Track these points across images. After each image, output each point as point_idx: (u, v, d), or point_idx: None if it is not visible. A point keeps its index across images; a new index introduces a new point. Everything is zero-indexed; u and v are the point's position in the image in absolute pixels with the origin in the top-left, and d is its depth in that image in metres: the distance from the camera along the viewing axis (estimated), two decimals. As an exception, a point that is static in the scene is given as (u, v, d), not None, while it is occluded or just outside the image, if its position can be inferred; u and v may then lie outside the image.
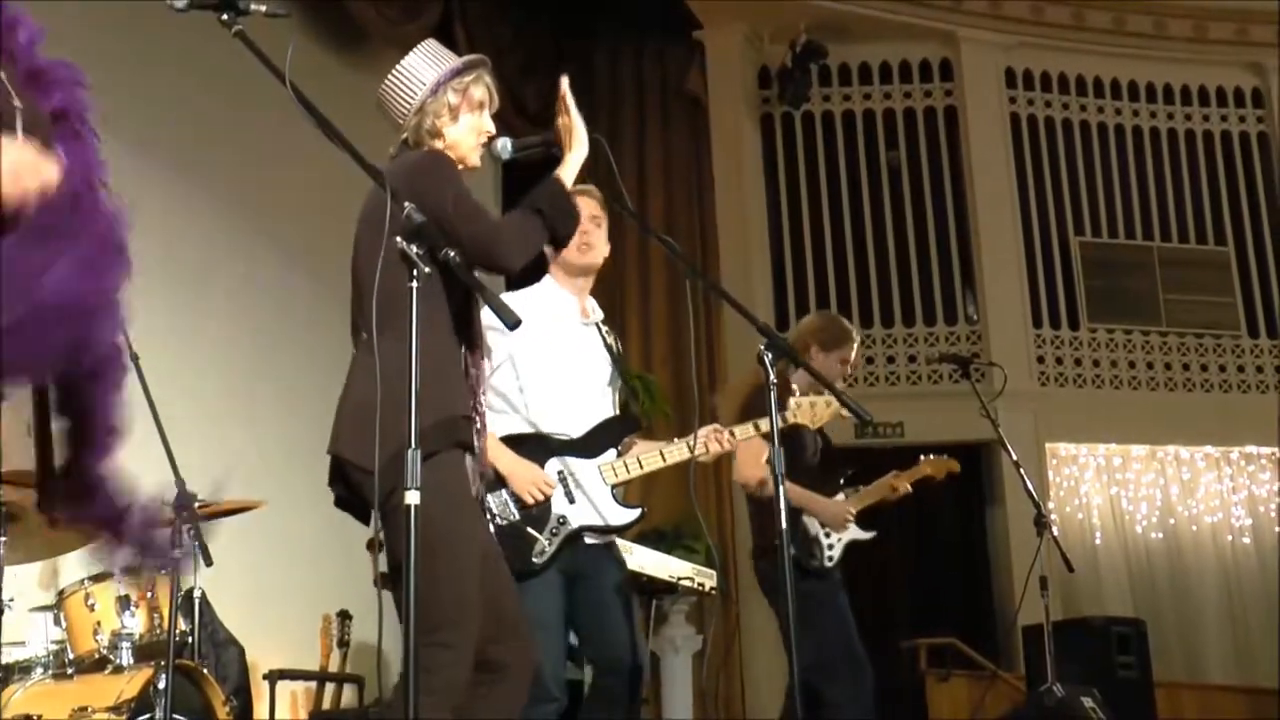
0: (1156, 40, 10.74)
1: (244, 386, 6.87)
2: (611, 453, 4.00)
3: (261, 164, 7.18)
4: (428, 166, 3.18)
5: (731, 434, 4.14)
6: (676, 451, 4.08)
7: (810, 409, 4.42)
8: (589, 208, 4.01)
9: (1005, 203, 10.22)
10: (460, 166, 3.30)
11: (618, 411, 4.13)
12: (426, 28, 8.23)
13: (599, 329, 4.17)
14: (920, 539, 9.73)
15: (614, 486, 3.95)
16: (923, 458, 5.64)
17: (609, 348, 4.16)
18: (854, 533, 5.27)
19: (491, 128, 3.34)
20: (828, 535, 5.18)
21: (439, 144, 3.25)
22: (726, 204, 9.84)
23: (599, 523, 3.90)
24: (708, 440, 4.09)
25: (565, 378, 3.94)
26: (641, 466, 4.02)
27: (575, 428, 3.93)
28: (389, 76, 3.29)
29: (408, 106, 3.25)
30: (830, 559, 5.15)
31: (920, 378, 9.92)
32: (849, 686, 5.04)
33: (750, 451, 4.96)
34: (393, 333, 2.92)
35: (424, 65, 3.28)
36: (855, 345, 5.35)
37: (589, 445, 3.94)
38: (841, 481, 5.37)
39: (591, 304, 4.18)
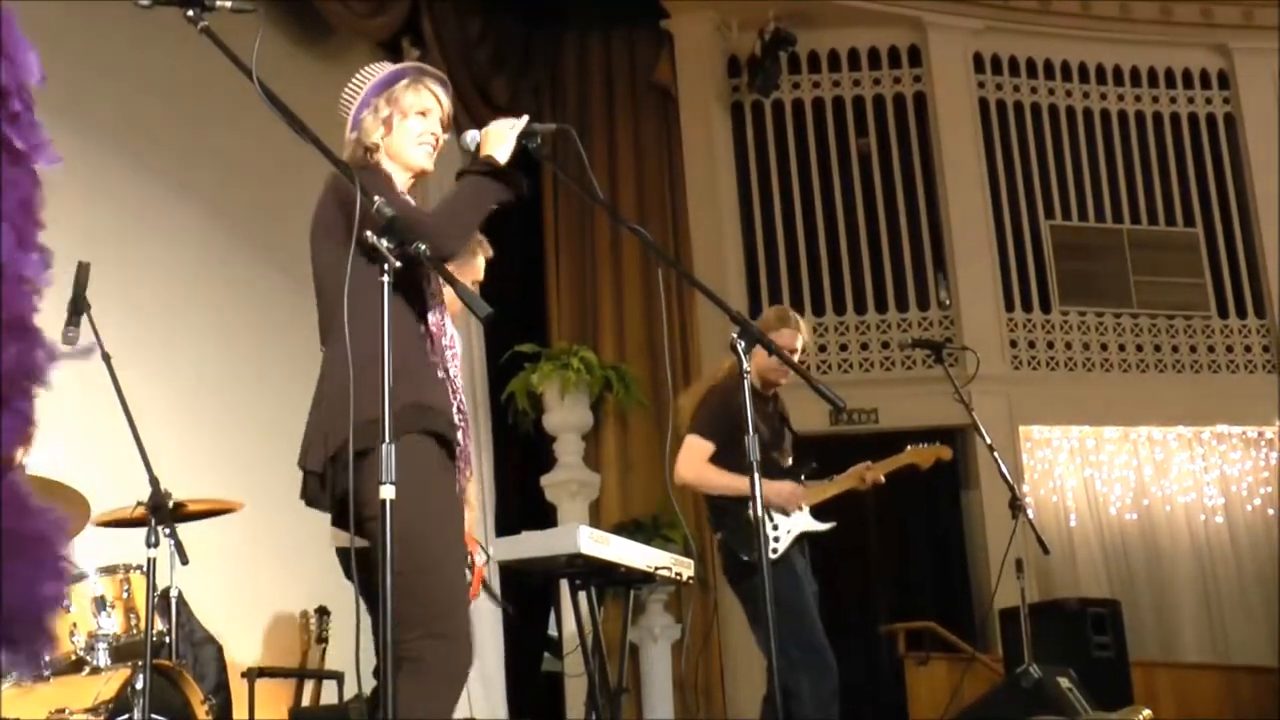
0: (1122, 23, 10.79)
1: (217, 385, 6.84)
2: None
3: (238, 160, 7.15)
4: (330, 184, 3.23)
5: None
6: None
7: None
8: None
9: (975, 188, 10.25)
10: (410, 174, 3.31)
11: None
12: (394, 21, 8.20)
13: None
14: (897, 524, 9.77)
15: None
16: (909, 447, 5.66)
17: None
18: (807, 524, 5.28)
19: (438, 131, 3.34)
20: (775, 528, 5.19)
21: (379, 157, 3.27)
22: (698, 193, 9.84)
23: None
24: None
25: None
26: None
27: None
28: (345, 92, 3.37)
29: (350, 129, 3.32)
30: (774, 551, 5.16)
31: (894, 364, 9.95)
32: (803, 676, 5.05)
33: (689, 452, 5.10)
34: (355, 329, 2.91)
35: (361, 83, 3.34)
36: (789, 331, 5.36)
37: None
38: (802, 477, 5.39)
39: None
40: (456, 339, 3.43)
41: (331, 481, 3.04)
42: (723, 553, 5.29)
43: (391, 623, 2.89)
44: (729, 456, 5.04)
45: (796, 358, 5.34)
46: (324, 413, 3.05)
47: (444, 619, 2.99)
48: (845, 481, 5.46)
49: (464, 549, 3.18)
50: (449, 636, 3.00)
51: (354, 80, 3.35)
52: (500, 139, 3.28)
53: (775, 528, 5.19)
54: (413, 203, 3.27)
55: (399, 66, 3.38)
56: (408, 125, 3.29)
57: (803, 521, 5.26)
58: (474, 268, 4.39)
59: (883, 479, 5.52)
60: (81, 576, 4.48)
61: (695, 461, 5.19)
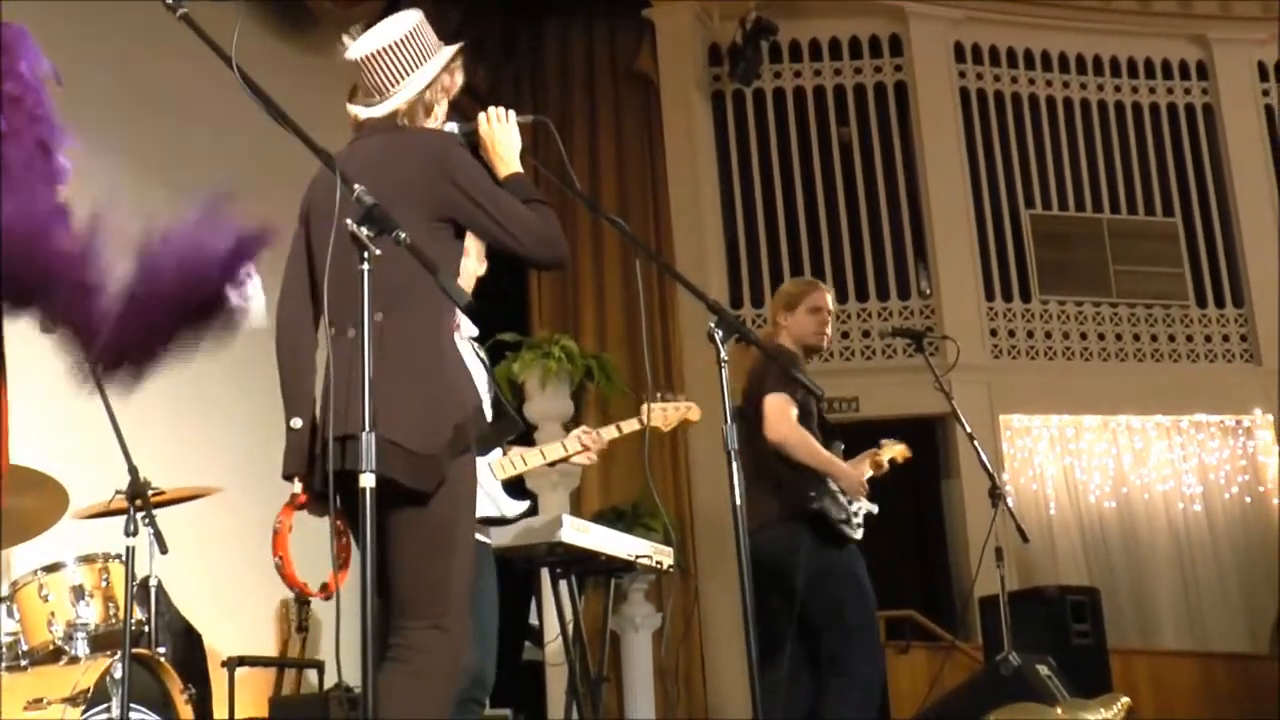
0: (1102, 14, 10.83)
1: (195, 372, 6.81)
2: (497, 452, 4.23)
3: (213, 149, 7.12)
4: (467, 158, 3.18)
5: (598, 434, 4.52)
6: (553, 450, 4.46)
7: (663, 414, 4.66)
8: None
9: (956, 177, 10.27)
10: None
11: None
12: (374, 11, 8.17)
13: (472, 344, 4.33)
14: (877, 513, 9.77)
15: (502, 481, 4.21)
16: (884, 441, 5.71)
17: (483, 361, 4.35)
18: (865, 504, 5.33)
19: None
20: (851, 503, 5.23)
21: (430, 123, 3.25)
22: (679, 182, 9.84)
23: (494, 513, 4.12)
24: (580, 439, 4.48)
25: None
26: (526, 463, 4.34)
27: None
28: (396, 40, 3.22)
29: (404, 74, 3.21)
30: (857, 527, 5.22)
31: (875, 352, 9.97)
32: (865, 659, 5.10)
33: (780, 410, 5.02)
34: (415, 315, 2.97)
35: (429, 38, 3.27)
36: (822, 292, 5.42)
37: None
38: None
39: (465, 321, 4.30)
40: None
41: (439, 466, 2.97)
42: (810, 525, 5.14)
43: (392, 612, 2.91)
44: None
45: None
46: (426, 393, 2.98)
47: (450, 615, 3.01)
48: (869, 467, 5.50)
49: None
50: (452, 631, 3.02)
51: (419, 30, 3.25)
52: (508, 141, 3.31)
53: (850, 503, 5.23)
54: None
55: (461, 45, 3.35)
56: (446, 105, 3.32)
57: (864, 502, 5.32)
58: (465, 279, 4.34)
59: (887, 464, 5.60)
60: (59, 566, 4.47)
61: (791, 420, 5.09)
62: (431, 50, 3.26)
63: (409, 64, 3.21)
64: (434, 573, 2.98)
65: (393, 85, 3.21)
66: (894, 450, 5.67)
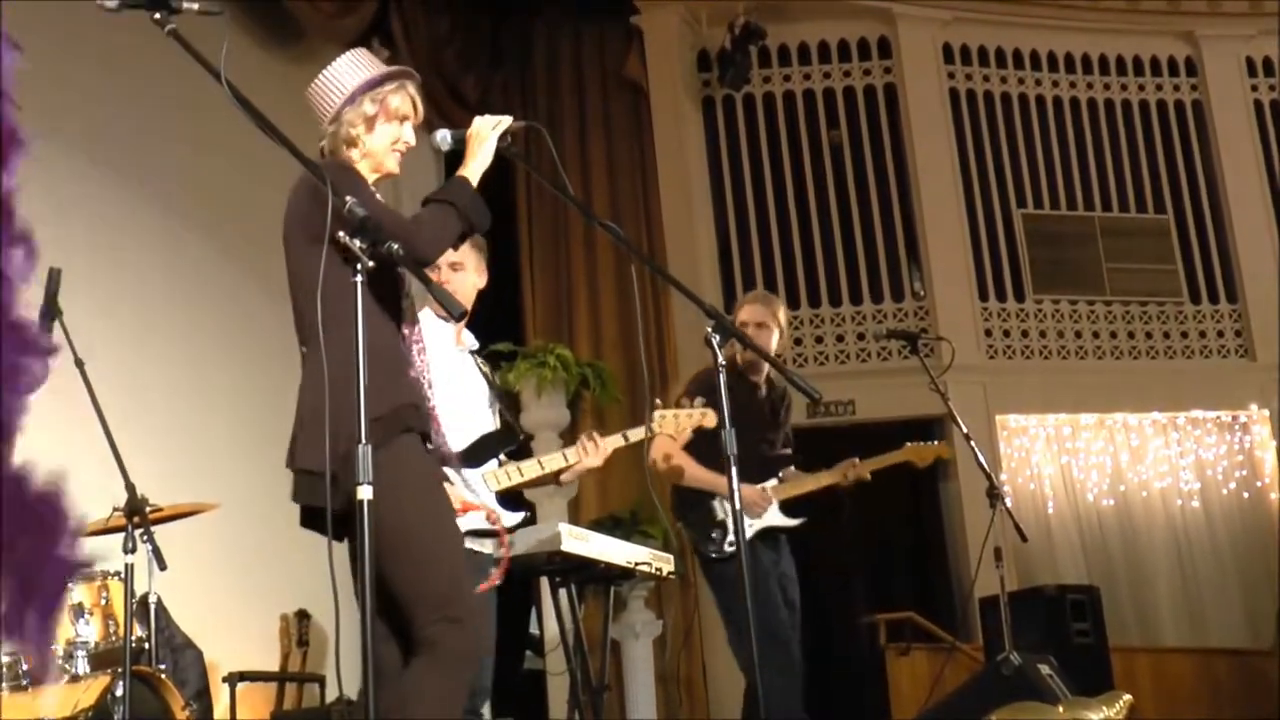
0: (1090, 12, 10.84)
1: (192, 388, 6.81)
2: (493, 464, 4.24)
3: (207, 165, 7.12)
4: (343, 180, 3.18)
5: (603, 442, 4.43)
6: (553, 461, 4.40)
7: (674, 420, 4.60)
8: (447, 255, 4.12)
9: (947, 178, 10.28)
10: (377, 175, 3.33)
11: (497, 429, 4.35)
12: (363, 21, 8.17)
13: (473, 358, 4.38)
14: (875, 515, 9.78)
15: (497, 492, 4.21)
16: (909, 445, 5.68)
17: (484, 374, 4.40)
18: (773, 519, 5.31)
19: (411, 139, 3.39)
20: (726, 519, 5.24)
21: (355, 153, 3.28)
22: (670, 188, 9.84)
23: (487, 525, 4.05)
24: (581, 448, 4.39)
25: (441, 401, 3.94)
26: (523, 474, 4.29)
27: (456, 445, 4.04)
28: (314, 81, 3.34)
29: (328, 113, 3.29)
30: (731, 545, 5.19)
31: (870, 355, 9.97)
32: (763, 667, 5.05)
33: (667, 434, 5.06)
34: (335, 332, 2.94)
35: (346, 73, 3.32)
36: (748, 306, 5.44)
37: (469, 458, 4.10)
38: (779, 474, 5.43)
39: (467, 335, 4.39)
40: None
41: (344, 480, 2.98)
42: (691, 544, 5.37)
43: (371, 620, 2.90)
44: (706, 446, 5.04)
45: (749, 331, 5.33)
46: (322, 412, 2.99)
47: (455, 603, 3.06)
48: (828, 477, 5.46)
49: (461, 537, 3.22)
50: (462, 620, 3.05)
51: (338, 68, 3.32)
52: (482, 140, 3.34)
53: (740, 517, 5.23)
54: (381, 199, 3.29)
55: (388, 70, 3.38)
56: (389, 129, 3.32)
57: (768, 517, 5.30)
58: (467, 293, 4.33)
59: (869, 476, 5.51)
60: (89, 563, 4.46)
61: (668, 445, 5.15)
62: (359, 80, 3.31)
63: (334, 99, 3.29)
64: (410, 575, 3.02)
65: (326, 122, 3.31)
66: (917, 455, 5.67)
